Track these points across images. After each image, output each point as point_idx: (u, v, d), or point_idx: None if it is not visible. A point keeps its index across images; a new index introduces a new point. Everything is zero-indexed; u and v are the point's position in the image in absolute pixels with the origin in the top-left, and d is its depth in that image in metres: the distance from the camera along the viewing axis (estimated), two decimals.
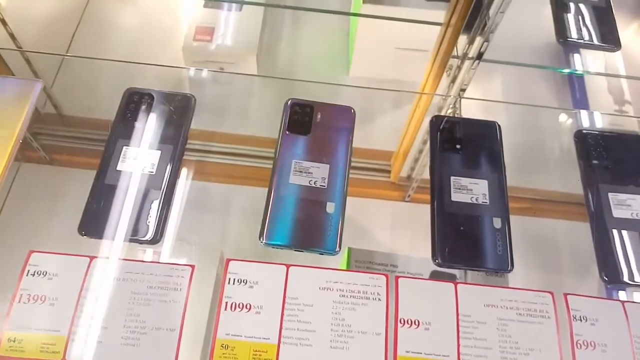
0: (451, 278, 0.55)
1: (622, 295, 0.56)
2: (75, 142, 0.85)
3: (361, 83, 0.95)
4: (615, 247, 0.53)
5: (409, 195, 0.85)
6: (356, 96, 0.71)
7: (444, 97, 0.66)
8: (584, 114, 0.82)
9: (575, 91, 0.98)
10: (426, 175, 0.85)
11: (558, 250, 0.82)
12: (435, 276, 0.60)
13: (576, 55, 0.99)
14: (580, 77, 0.99)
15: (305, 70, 1.04)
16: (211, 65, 0.93)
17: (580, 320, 0.48)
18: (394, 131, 0.94)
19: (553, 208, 0.86)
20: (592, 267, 0.75)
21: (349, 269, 0.63)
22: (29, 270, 0.47)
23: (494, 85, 1.01)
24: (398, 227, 0.84)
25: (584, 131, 0.60)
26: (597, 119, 0.84)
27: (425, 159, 0.79)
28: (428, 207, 0.84)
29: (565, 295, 0.50)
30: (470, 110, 0.73)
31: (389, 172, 0.88)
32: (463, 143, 0.57)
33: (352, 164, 0.56)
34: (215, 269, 0.72)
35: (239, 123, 0.92)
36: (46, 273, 0.47)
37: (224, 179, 0.89)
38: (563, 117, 0.89)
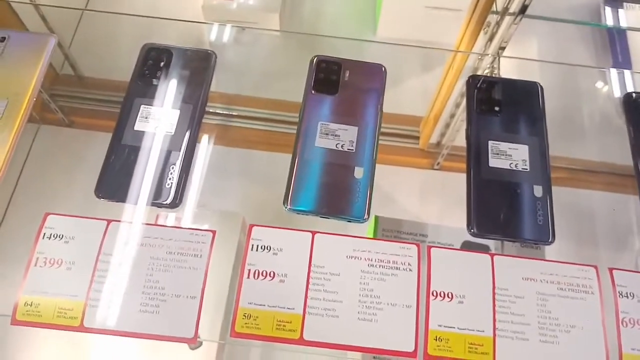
0: (484, 249, 0.52)
1: None
2: (95, 104, 0.83)
3: (388, 44, 0.91)
4: None
5: (438, 163, 0.81)
6: (383, 58, 0.67)
7: (481, 55, 0.61)
8: (628, 75, 0.77)
9: (617, 54, 0.92)
10: (457, 142, 0.81)
11: (595, 223, 0.78)
12: (466, 247, 0.57)
13: (616, 11, 0.92)
14: (624, 40, 0.93)
15: (329, 32, 0.99)
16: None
17: (627, 296, 0.45)
18: (423, 95, 0.90)
19: (591, 178, 0.82)
20: (631, 241, 0.71)
21: (375, 237, 0.61)
22: (44, 233, 0.45)
23: (530, 46, 0.96)
24: (426, 196, 0.81)
25: (634, 94, 0.55)
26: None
27: (457, 124, 0.75)
28: (458, 175, 0.81)
29: (611, 269, 0.46)
30: (504, 71, 0.69)
31: (417, 138, 0.84)
32: (502, 105, 0.52)
33: None
34: (237, 236, 0.71)
35: (260, 85, 0.89)
36: (62, 236, 0.45)
37: (244, 144, 0.86)
38: (604, 81, 0.84)
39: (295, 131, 0.81)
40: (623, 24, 0.91)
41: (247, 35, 0.90)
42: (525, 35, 0.97)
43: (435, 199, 0.80)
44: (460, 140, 0.82)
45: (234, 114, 0.87)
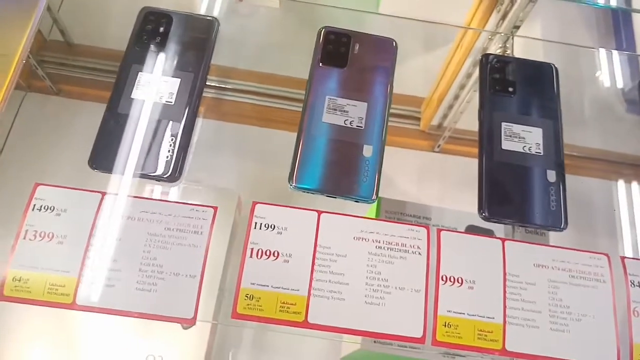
0: (488, 234, 0.51)
1: None
2: (84, 73, 0.80)
3: (391, 21, 0.88)
4: None
5: (439, 145, 0.79)
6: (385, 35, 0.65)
7: (493, 34, 0.59)
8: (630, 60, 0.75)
9: (622, 40, 0.91)
10: (459, 125, 0.80)
11: (595, 211, 0.77)
12: (471, 231, 0.56)
13: None
14: (629, 24, 0.91)
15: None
16: None
17: (639, 286, 0.44)
18: (424, 76, 0.87)
19: (592, 166, 0.81)
20: (633, 229, 0.70)
21: (378, 218, 0.59)
22: (34, 205, 0.42)
23: (533, 29, 0.94)
24: (426, 178, 0.79)
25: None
26: None
27: (462, 105, 0.73)
28: (459, 158, 0.79)
29: (623, 258, 0.45)
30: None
31: (418, 119, 0.82)
32: (517, 86, 0.51)
33: None
34: (232, 214, 0.68)
35: (257, 59, 0.86)
36: (54, 208, 0.42)
37: (238, 119, 0.83)
38: (608, 66, 0.82)
39: (292, 107, 0.79)
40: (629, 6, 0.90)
41: (246, 7, 0.87)
42: (528, 19, 0.95)
43: (435, 181, 0.78)
44: (462, 123, 0.81)
45: (228, 87, 0.84)
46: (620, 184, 0.67)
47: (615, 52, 0.90)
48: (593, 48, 0.90)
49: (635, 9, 0.89)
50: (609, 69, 0.78)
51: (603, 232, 0.74)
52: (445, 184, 0.76)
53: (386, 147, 0.69)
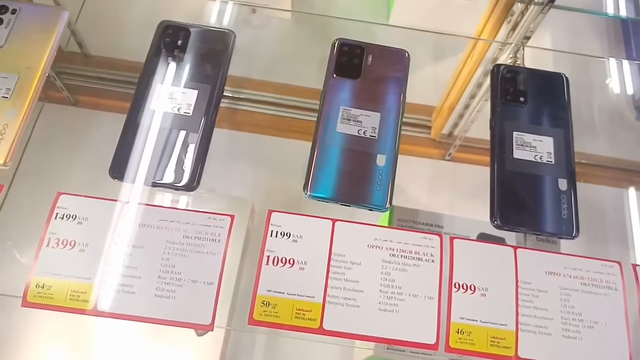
0: (500, 242, 0.51)
1: None
2: (101, 84, 0.81)
3: (402, 33, 0.89)
4: None
5: (449, 154, 0.80)
6: (396, 46, 0.66)
7: (504, 44, 0.60)
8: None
9: (632, 49, 0.91)
10: (470, 133, 0.80)
11: (606, 219, 0.77)
12: (482, 239, 0.56)
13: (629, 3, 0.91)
14: (638, 33, 0.92)
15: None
16: (243, 7, 0.88)
17: None
18: (435, 85, 0.88)
19: (602, 174, 0.81)
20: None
21: (390, 227, 0.60)
22: (57, 213, 0.44)
23: (543, 39, 0.95)
24: (437, 187, 0.80)
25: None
26: None
27: (472, 115, 0.74)
28: (470, 167, 0.80)
29: (634, 266, 0.45)
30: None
31: (429, 128, 0.83)
32: (528, 96, 0.51)
33: None
34: (246, 222, 0.69)
35: (270, 69, 0.87)
36: (75, 217, 0.44)
37: (252, 128, 0.84)
38: (618, 74, 0.83)
39: (305, 117, 0.80)
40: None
41: (259, 19, 0.89)
42: (539, 29, 0.96)
43: (446, 190, 0.79)
44: (473, 132, 0.81)
45: (242, 97, 0.85)
46: (632, 191, 0.68)
47: (625, 62, 0.91)
48: (603, 57, 0.90)
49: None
50: (619, 78, 0.79)
51: (615, 239, 0.75)
52: (456, 192, 0.77)
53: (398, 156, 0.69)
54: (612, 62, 0.85)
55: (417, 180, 0.78)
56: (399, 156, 0.71)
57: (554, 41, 0.95)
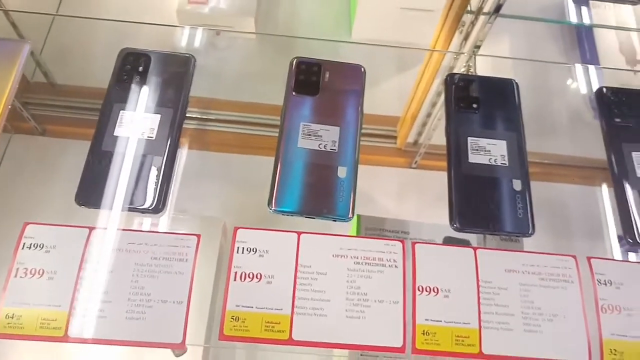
0: (465, 244, 0.53)
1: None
2: (68, 112, 0.82)
3: (364, 46, 0.92)
4: None
5: (415, 162, 0.82)
6: (359, 60, 0.68)
7: (457, 54, 0.63)
8: (596, 72, 0.79)
9: (586, 52, 0.95)
10: (434, 141, 0.83)
11: (569, 215, 0.80)
12: (448, 242, 0.58)
13: (583, 9, 0.95)
14: (591, 37, 0.95)
15: (305, 34, 0.99)
16: (207, 31, 0.89)
17: (605, 284, 0.46)
18: (399, 96, 0.91)
19: (564, 172, 0.84)
20: (605, 231, 0.73)
21: (359, 236, 0.61)
22: (24, 243, 0.44)
23: (502, 45, 0.98)
24: (405, 194, 0.81)
25: (605, 89, 0.57)
26: (609, 78, 0.81)
27: (434, 122, 0.76)
28: (436, 173, 0.82)
29: (589, 258, 0.47)
30: (478, 70, 0.70)
31: (394, 137, 0.85)
32: (480, 102, 0.53)
33: None
34: (219, 240, 0.70)
35: (236, 89, 0.89)
36: (43, 245, 0.44)
37: (221, 148, 0.86)
38: (573, 78, 0.86)
39: (272, 133, 0.81)
40: (588, 21, 0.94)
41: (223, 40, 0.90)
42: (497, 35, 0.99)
43: (414, 197, 0.81)
44: (437, 139, 0.84)
45: (210, 117, 0.86)
46: (593, 187, 0.70)
47: (578, 65, 0.94)
48: (559, 63, 0.94)
49: (596, 25, 0.93)
50: (577, 80, 0.82)
51: (578, 235, 0.77)
52: (423, 198, 0.79)
53: (365, 166, 0.71)
54: (570, 65, 0.89)
55: (385, 189, 0.80)
56: (368, 167, 0.73)
57: (512, 47, 0.99)
